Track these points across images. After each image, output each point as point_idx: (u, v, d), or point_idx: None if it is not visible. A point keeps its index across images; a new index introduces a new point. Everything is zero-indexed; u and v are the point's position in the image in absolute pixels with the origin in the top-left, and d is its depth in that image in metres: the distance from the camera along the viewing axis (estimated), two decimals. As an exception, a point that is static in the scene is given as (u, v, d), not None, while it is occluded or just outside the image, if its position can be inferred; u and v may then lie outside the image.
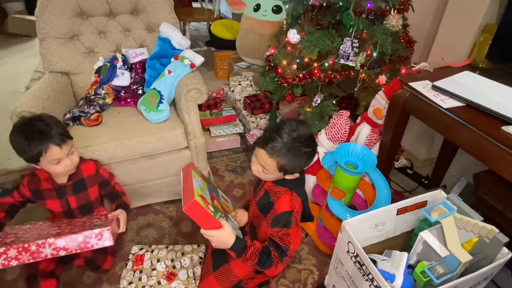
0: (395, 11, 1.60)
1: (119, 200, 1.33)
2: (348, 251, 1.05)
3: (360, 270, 1.00)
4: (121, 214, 1.26)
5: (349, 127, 1.63)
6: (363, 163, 1.33)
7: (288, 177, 1.09)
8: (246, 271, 1.22)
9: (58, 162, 1.12)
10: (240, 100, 2.25)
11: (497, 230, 0.95)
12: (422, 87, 1.23)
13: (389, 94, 1.42)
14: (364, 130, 1.62)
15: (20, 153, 1.08)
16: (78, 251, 1.08)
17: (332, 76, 1.69)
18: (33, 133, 1.06)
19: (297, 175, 1.10)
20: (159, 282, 1.32)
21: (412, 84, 1.25)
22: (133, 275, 1.35)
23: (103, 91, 1.63)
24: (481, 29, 1.41)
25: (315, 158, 1.62)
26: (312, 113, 1.77)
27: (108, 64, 1.66)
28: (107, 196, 1.35)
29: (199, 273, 1.36)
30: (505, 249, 0.96)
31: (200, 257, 1.42)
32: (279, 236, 1.05)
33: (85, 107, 1.55)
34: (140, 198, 1.64)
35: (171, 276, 1.34)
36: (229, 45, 2.79)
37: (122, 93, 1.70)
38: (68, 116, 1.50)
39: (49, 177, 1.18)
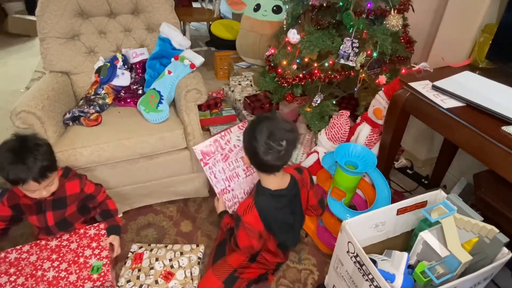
0: (395, 11, 1.60)
1: (111, 221, 1.30)
2: (348, 251, 1.05)
3: (360, 270, 1.00)
4: (114, 240, 1.27)
5: (349, 127, 1.63)
6: (363, 163, 1.33)
7: (264, 181, 1.13)
8: (239, 259, 1.26)
9: (33, 192, 1.11)
10: (240, 100, 2.25)
11: (497, 230, 0.95)
12: (422, 87, 1.23)
13: (389, 94, 1.42)
14: (364, 130, 1.62)
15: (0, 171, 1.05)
16: None
17: (332, 76, 1.69)
18: (18, 162, 1.03)
19: (266, 178, 1.11)
20: (156, 281, 1.32)
21: (412, 84, 1.25)
22: (132, 273, 1.36)
23: (103, 91, 1.63)
24: (481, 29, 1.41)
25: (312, 158, 1.64)
26: (312, 113, 1.77)
27: (108, 64, 1.66)
28: (100, 214, 1.32)
29: (197, 273, 1.36)
30: (505, 249, 0.96)
31: (199, 257, 1.42)
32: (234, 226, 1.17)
33: (85, 107, 1.55)
34: (139, 198, 1.64)
35: (168, 276, 1.34)
36: (229, 45, 2.79)
37: (122, 93, 1.70)
38: (67, 116, 1.50)
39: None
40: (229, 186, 1.39)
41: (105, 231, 1.27)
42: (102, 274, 1.17)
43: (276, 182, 1.12)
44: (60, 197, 1.21)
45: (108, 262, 1.20)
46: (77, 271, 1.17)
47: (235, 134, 1.40)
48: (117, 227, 1.30)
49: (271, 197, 1.11)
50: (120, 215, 1.64)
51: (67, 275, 1.16)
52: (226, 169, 1.38)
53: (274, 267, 1.37)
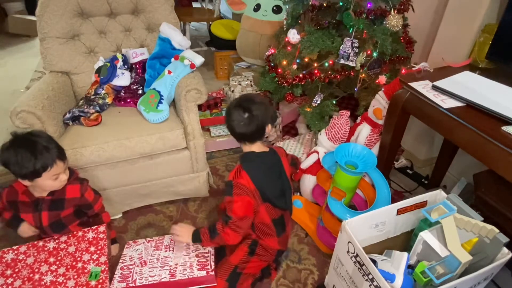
0: (395, 11, 1.60)
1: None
2: (348, 251, 1.05)
3: (360, 270, 1.00)
4: (115, 249, 1.40)
5: (349, 127, 1.63)
6: (363, 163, 1.33)
7: (246, 149, 1.22)
8: (239, 256, 1.26)
9: (57, 177, 1.13)
10: (240, 100, 2.25)
11: (497, 230, 0.95)
12: (422, 87, 1.23)
13: (389, 94, 1.42)
14: (364, 130, 1.62)
15: (19, 167, 1.05)
16: None
17: (332, 76, 1.69)
18: (39, 148, 1.06)
19: (248, 147, 1.21)
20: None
21: (412, 84, 1.25)
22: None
23: (103, 91, 1.63)
24: (481, 29, 1.41)
25: (312, 158, 1.64)
26: (312, 113, 1.77)
27: (108, 64, 1.66)
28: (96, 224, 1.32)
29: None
30: (505, 249, 0.96)
31: None
32: (225, 203, 1.18)
33: (85, 107, 1.55)
34: (139, 198, 1.63)
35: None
36: (229, 45, 2.79)
37: (122, 93, 1.70)
38: (67, 116, 1.50)
39: (26, 190, 1.17)
40: (172, 268, 1.25)
41: (104, 235, 1.26)
42: (101, 281, 1.15)
43: (258, 147, 1.22)
44: (58, 198, 1.20)
45: (107, 268, 1.18)
46: (75, 276, 1.16)
47: (130, 250, 1.36)
48: (114, 239, 1.41)
49: (256, 157, 1.20)
50: (120, 215, 1.65)
51: (65, 280, 1.15)
52: (155, 267, 1.25)
53: (275, 258, 1.35)
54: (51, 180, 1.12)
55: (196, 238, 1.22)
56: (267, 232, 1.26)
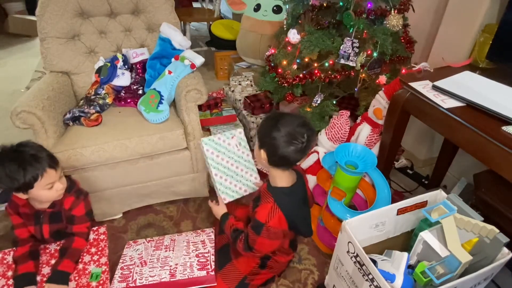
0: (395, 11, 1.60)
1: (65, 263, 1.17)
2: (348, 251, 1.05)
3: (360, 270, 1.00)
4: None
5: (349, 127, 1.63)
6: (363, 163, 1.33)
7: (278, 180, 1.12)
8: (249, 266, 1.25)
9: (51, 186, 1.10)
10: (240, 100, 2.25)
11: (497, 230, 0.95)
12: (422, 87, 1.23)
13: (389, 94, 1.42)
14: (364, 130, 1.62)
15: (10, 181, 1.02)
16: None
17: (332, 76, 1.69)
18: (27, 159, 1.03)
19: (280, 173, 1.10)
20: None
21: (412, 84, 1.25)
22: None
23: (104, 91, 1.63)
24: (481, 29, 1.41)
25: (312, 158, 1.64)
26: (312, 113, 1.77)
27: (109, 64, 1.66)
28: (60, 248, 1.23)
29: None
30: (505, 249, 0.96)
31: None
32: (249, 233, 1.13)
33: (85, 107, 1.55)
34: (140, 198, 1.64)
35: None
36: (229, 45, 2.79)
37: (122, 93, 1.70)
38: (68, 116, 1.50)
39: (27, 203, 1.16)
40: (173, 269, 1.25)
41: (104, 236, 1.25)
42: (101, 282, 1.16)
43: (289, 178, 1.14)
44: (58, 210, 1.20)
45: (107, 269, 1.19)
46: (76, 278, 1.16)
47: (130, 250, 1.37)
48: (65, 274, 1.15)
49: (289, 194, 1.12)
50: (120, 215, 1.65)
51: None
52: (155, 267, 1.26)
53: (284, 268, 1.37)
54: (46, 190, 1.09)
55: (223, 221, 1.26)
56: (283, 251, 1.27)
